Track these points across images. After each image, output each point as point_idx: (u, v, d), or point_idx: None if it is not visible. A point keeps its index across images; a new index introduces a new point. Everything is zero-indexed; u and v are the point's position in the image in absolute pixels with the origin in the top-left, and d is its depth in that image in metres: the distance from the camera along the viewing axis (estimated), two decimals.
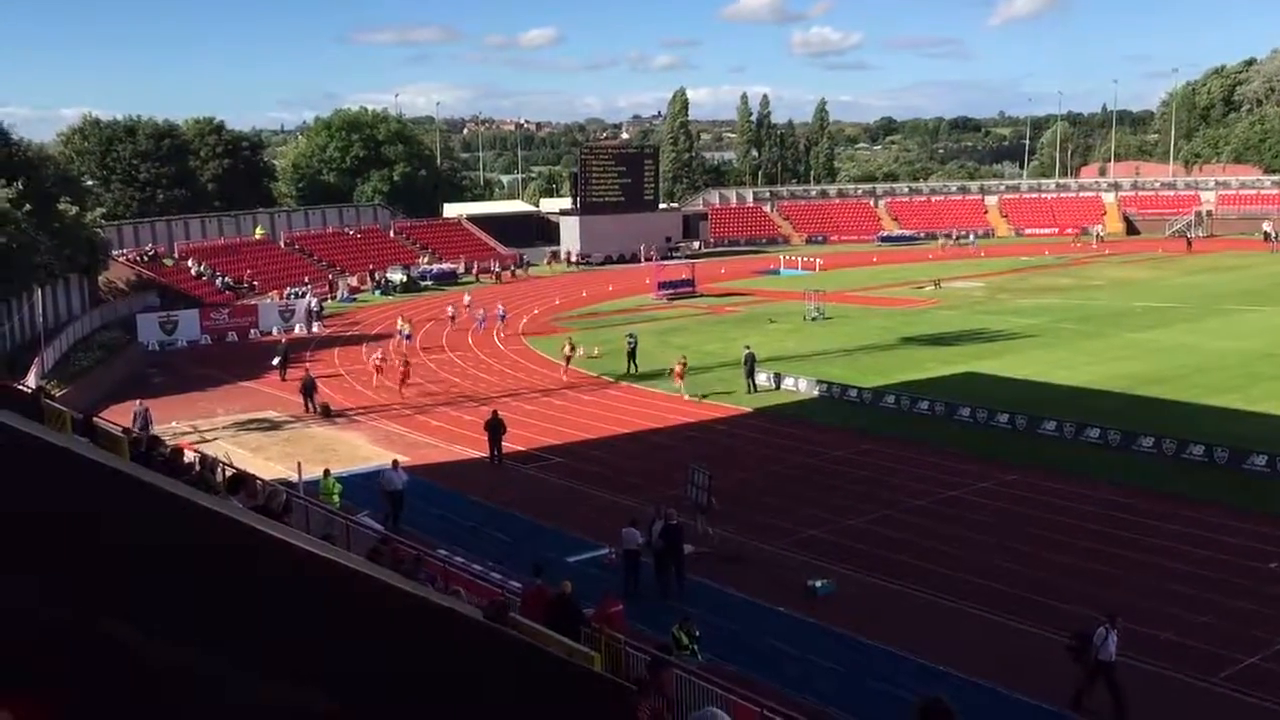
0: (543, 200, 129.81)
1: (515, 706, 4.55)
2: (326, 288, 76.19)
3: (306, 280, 76.14)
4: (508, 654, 4.75)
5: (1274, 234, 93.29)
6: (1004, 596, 22.36)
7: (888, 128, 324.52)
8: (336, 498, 26.05)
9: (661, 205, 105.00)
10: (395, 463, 28.69)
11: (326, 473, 27.66)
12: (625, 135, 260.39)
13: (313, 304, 64.76)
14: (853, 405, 39.67)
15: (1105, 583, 22.89)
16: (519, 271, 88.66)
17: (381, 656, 4.27)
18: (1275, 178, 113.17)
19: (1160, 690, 18.52)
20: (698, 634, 18.86)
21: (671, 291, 70.57)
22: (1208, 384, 40.61)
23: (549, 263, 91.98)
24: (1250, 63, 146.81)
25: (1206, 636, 20.25)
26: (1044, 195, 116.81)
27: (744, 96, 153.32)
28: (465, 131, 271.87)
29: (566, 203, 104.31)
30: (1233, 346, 47.77)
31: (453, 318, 59.55)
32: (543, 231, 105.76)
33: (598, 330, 58.05)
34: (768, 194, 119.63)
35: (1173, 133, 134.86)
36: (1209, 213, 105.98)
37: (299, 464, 28.66)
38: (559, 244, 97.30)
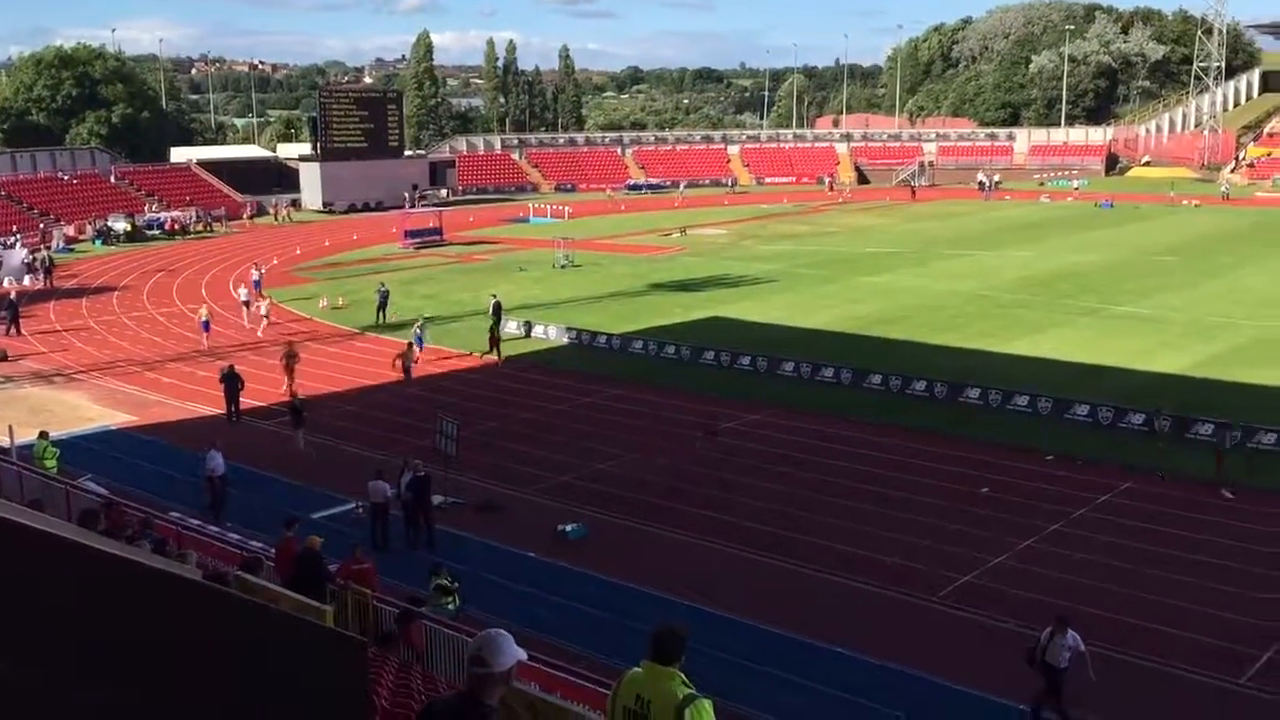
0: (280, 146, 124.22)
1: (237, 666, 4.34)
2: (39, 238, 70.38)
3: (16, 230, 70.13)
4: (228, 615, 4.51)
5: (987, 183, 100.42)
6: (751, 532, 23.28)
7: (635, 77, 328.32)
8: (51, 462, 24.22)
9: (407, 152, 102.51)
10: (214, 444, 25.42)
11: (43, 435, 25.68)
12: (368, 79, 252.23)
13: (28, 256, 59.72)
14: (602, 352, 40.16)
15: (836, 513, 24.22)
16: (255, 220, 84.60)
17: (79, 623, 3.97)
18: (988, 130, 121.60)
19: (886, 611, 19.80)
20: (456, 584, 18.74)
21: (419, 240, 69.22)
22: (931, 324, 43.39)
23: (284, 211, 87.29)
24: (967, 21, 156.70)
25: (927, 559, 21.76)
26: (782, 145, 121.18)
27: (490, 42, 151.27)
28: (194, 72, 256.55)
29: (306, 148, 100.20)
30: (951, 288, 51.19)
31: (246, 304, 47.02)
32: (282, 178, 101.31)
33: (342, 281, 56.33)
34: (516, 141, 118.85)
35: (898, 87, 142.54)
36: (931, 163, 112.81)
37: (9, 427, 26.50)
38: (299, 191, 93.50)
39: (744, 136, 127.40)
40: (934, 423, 30.92)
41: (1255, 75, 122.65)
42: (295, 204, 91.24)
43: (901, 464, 27.48)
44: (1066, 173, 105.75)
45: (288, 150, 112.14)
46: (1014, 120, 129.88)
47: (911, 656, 17.90)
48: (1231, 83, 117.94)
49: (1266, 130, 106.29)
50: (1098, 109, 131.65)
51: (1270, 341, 39.39)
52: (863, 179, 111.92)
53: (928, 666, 17.60)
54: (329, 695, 4.40)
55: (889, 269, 57.19)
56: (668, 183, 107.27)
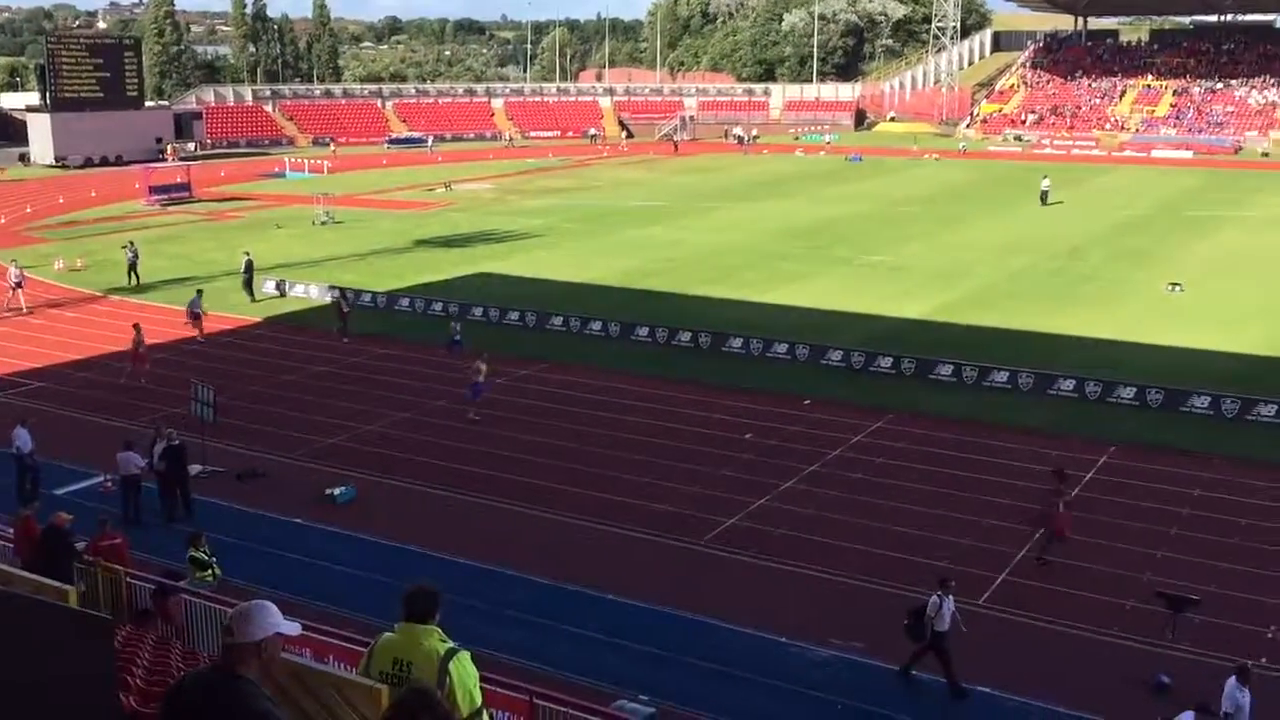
0: (3, 95, 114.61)
1: None
2: None
3: None
4: None
5: (745, 138, 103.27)
6: (521, 486, 23.36)
7: (393, 27, 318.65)
8: None
9: (149, 103, 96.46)
10: (24, 420, 23.19)
11: None
12: (102, 25, 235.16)
13: None
14: (367, 310, 39.19)
15: (606, 464, 24.62)
16: None
17: None
18: (746, 86, 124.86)
19: (656, 557, 20.34)
20: (211, 557, 17.99)
21: (165, 197, 65.42)
22: (695, 276, 44.44)
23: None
24: None
25: (695, 505, 22.45)
26: (546, 100, 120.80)
27: None
28: None
29: (34, 98, 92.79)
30: (714, 241, 52.54)
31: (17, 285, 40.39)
32: (6, 131, 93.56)
33: (79, 241, 52.70)
34: (269, 93, 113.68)
35: (658, 42, 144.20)
36: (692, 118, 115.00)
37: None
38: (27, 145, 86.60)
39: (507, 90, 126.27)
40: (700, 373, 31.77)
41: (987, 35, 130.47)
42: (23, 158, 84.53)
43: (669, 414, 28.13)
44: (819, 127, 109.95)
45: (12, 100, 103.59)
46: (770, 76, 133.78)
47: (685, 600, 18.47)
48: (966, 42, 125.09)
49: (997, 87, 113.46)
50: (846, 66, 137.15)
51: (1001, 286, 42.34)
52: (626, 133, 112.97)
53: (700, 608, 18.21)
54: (72, 678, 4.17)
55: (654, 222, 58.10)
56: (428, 137, 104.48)
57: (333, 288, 39.50)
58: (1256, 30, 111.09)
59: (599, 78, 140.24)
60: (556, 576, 19.34)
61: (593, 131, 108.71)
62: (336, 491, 22.72)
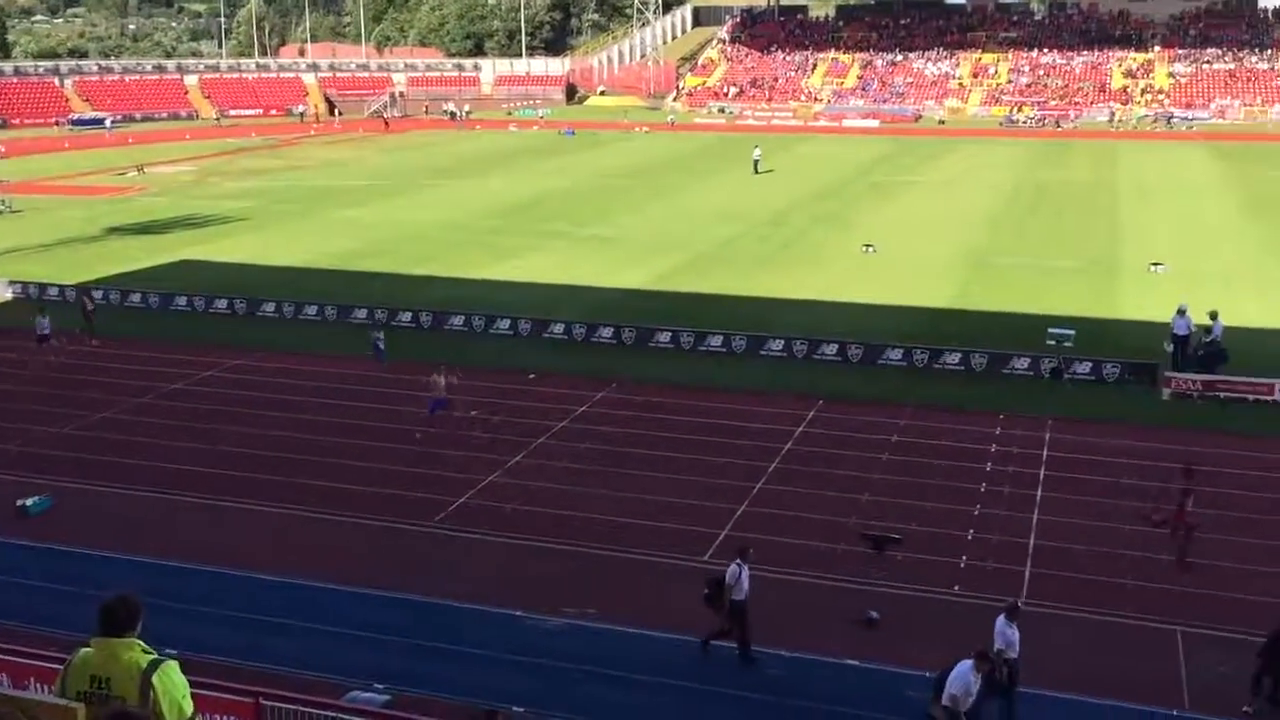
0: None
1: None
2: None
3: None
4: None
5: (458, 113, 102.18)
6: (233, 481, 22.34)
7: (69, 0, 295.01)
8: None
9: None
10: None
11: None
12: None
13: None
14: (54, 305, 36.21)
15: (327, 452, 23.91)
16: None
17: None
18: (456, 61, 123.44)
19: (386, 540, 19.96)
20: None
21: None
22: (413, 255, 43.70)
23: None
24: None
25: (423, 487, 22.18)
26: (245, 76, 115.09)
27: None
28: None
29: None
30: (431, 218, 51.81)
31: None
32: None
33: None
34: None
35: (362, 15, 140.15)
36: (401, 94, 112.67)
37: None
38: None
39: (202, 66, 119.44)
40: (422, 353, 31.27)
41: (688, 10, 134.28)
42: None
43: (392, 396, 27.59)
44: (532, 102, 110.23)
45: None
46: (479, 50, 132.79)
47: (416, 583, 18.23)
48: (669, 17, 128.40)
49: (700, 61, 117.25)
50: (555, 40, 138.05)
51: (713, 254, 43.94)
52: (333, 110, 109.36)
53: (432, 590, 18.02)
54: None
55: (367, 202, 56.66)
56: (105, 117, 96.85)
57: (78, 286, 36.10)
58: (930, 5, 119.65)
59: (301, 53, 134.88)
60: (279, 571, 18.65)
61: (301, 109, 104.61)
62: (29, 502, 20.98)
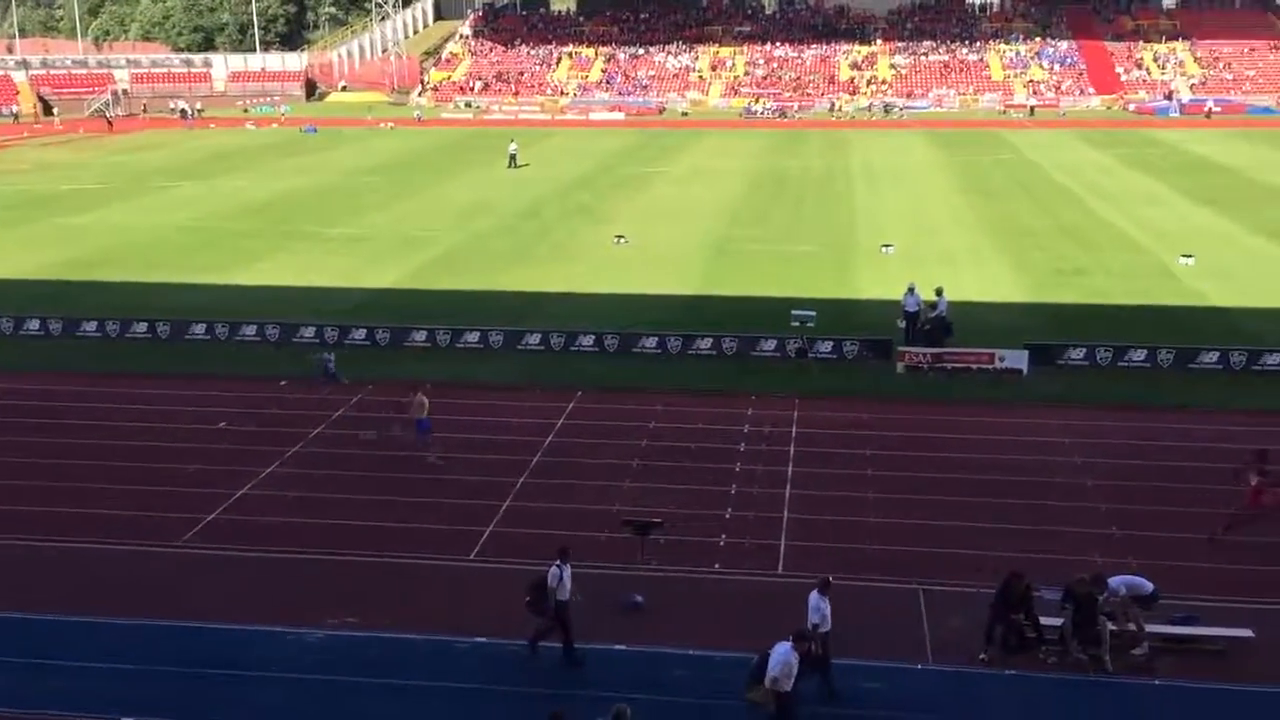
0: None
1: None
2: None
3: None
4: None
5: (189, 111, 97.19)
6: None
7: None
8: None
9: None
10: None
11: None
12: None
13: None
14: None
15: (59, 476, 22.37)
16: None
17: None
18: (184, 56, 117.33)
19: (132, 564, 18.86)
20: None
21: None
22: (147, 261, 41.35)
23: None
24: None
25: (168, 505, 21.05)
26: None
27: None
28: None
29: None
30: (166, 222, 49.11)
31: None
32: None
33: None
34: None
35: (77, 9, 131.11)
36: (125, 91, 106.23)
37: None
38: None
39: None
40: (163, 364, 29.75)
41: (429, 4, 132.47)
42: None
43: (131, 412, 26.08)
44: (269, 99, 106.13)
45: None
46: (210, 45, 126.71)
47: (162, 608, 17.31)
48: (409, 10, 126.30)
49: (444, 55, 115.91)
50: (291, 35, 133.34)
51: (467, 250, 43.62)
52: (48, 110, 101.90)
53: (179, 612, 17.16)
54: None
55: (94, 207, 53.17)
56: None
57: None
58: (668, 0, 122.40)
59: (10, 50, 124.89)
60: (12, 607, 17.31)
61: (14, 109, 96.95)
62: None
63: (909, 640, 16.38)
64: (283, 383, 28.27)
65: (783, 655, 13.61)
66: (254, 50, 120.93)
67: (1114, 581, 16.10)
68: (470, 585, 18.30)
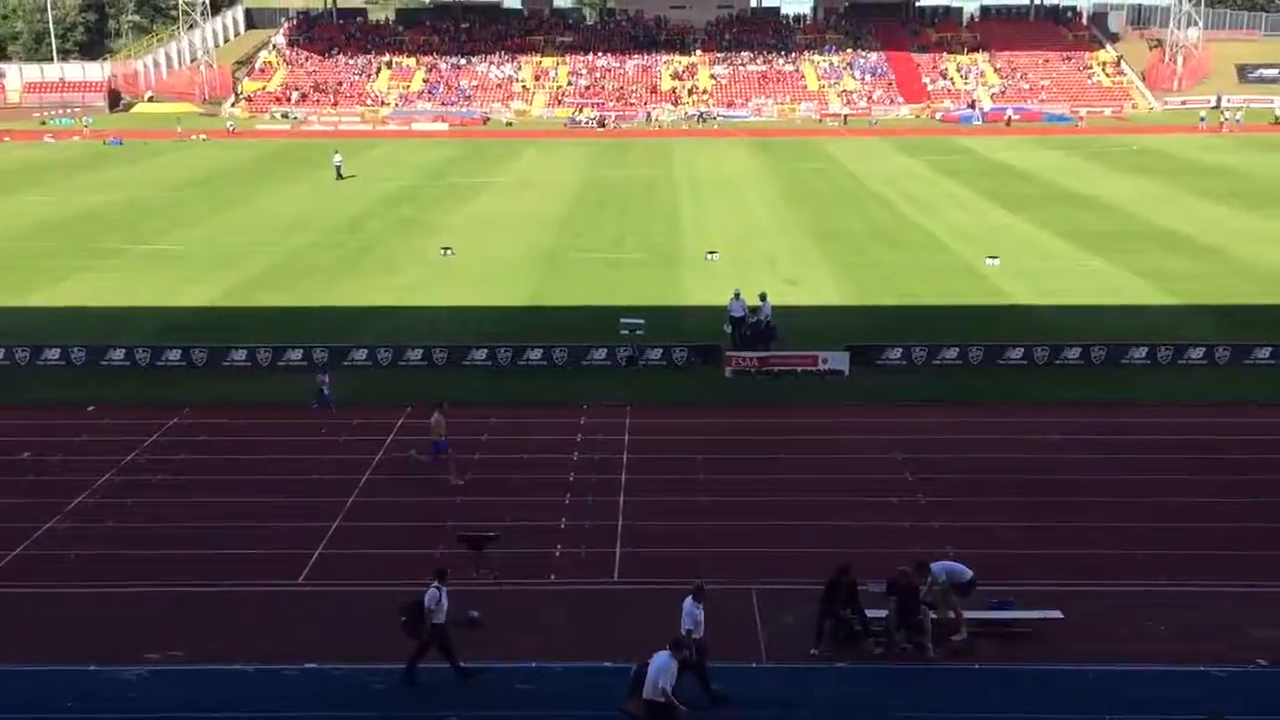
0: None
1: None
2: None
3: None
4: None
5: None
6: None
7: None
8: None
9: None
10: None
11: None
12: None
13: None
14: None
15: None
16: None
17: None
18: None
19: None
20: None
21: None
22: None
23: None
24: None
25: None
26: None
27: None
28: None
29: None
30: None
31: None
32: None
33: None
34: None
35: None
36: None
37: None
38: None
39: None
40: None
41: (239, 12, 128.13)
42: None
43: None
44: (69, 111, 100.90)
45: None
46: (1, 55, 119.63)
47: None
48: (219, 19, 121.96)
49: (257, 65, 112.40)
50: (91, 44, 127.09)
51: (288, 265, 42.37)
52: None
53: None
54: None
55: None
56: None
57: None
58: (488, 10, 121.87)
59: None
60: None
61: None
62: None
63: (744, 640, 16.66)
64: (91, 408, 26.88)
65: (663, 664, 13.75)
66: (51, 59, 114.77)
67: (936, 567, 16.77)
68: (299, 610, 17.75)
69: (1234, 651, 16.24)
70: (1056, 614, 17.00)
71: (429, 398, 27.29)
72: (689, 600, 15.37)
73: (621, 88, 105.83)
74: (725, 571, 18.64)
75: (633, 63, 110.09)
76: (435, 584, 15.65)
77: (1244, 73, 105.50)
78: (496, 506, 21.20)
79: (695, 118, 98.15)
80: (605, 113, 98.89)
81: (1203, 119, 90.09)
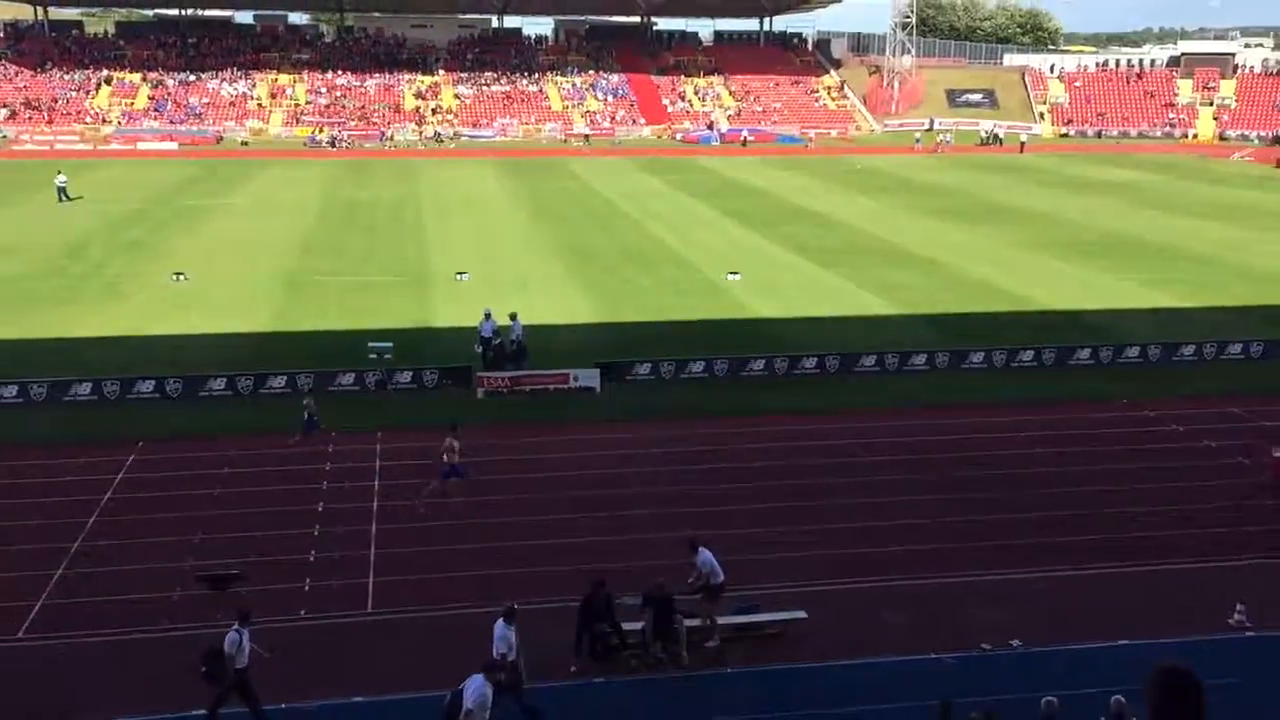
0: None
1: None
2: None
3: None
4: None
5: None
6: None
7: None
8: None
9: None
10: None
11: None
12: None
13: None
14: None
15: None
16: None
17: None
18: None
19: None
20: None
21: None
22: None
23: None
24: None
25: None
26: None
27: None
28: None
29: None
30: None
31: None
32: None
33: None
34: None
35: None
36: None
37: None
38: None
39: None
40: None
41: None
42: None
43: None
44: None
45: None
46: None
47: None
48: None
49: None
50: None
51: None
52: None
53: None
54: None
55: None
56: None
57: None
58: (217, 24, 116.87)
59: None
60: None
61: None
62: None
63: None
64: None
65: (477, 688, 13.61)
66: None
67: (704, 555, 17.20)
68: (19, 666, 16.41)
69: (960, 638, 17.44)
70: (801, 614, 17.77)
71: (162, 433, 25.99)
72: (500, 623, 15.34)
73: (363, 106, 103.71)
74: (482, 594, 18.49)
75: (374, 81, 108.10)
76: (236, 626, 14.91)
77: (953, 97, 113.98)
78: (242, 542, 20.27)
79: (433, 138, 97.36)
80: (339, 132, 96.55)
81: (918, 140, 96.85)
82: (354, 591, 18.78)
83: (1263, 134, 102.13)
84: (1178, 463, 25.05)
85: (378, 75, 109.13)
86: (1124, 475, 24.17)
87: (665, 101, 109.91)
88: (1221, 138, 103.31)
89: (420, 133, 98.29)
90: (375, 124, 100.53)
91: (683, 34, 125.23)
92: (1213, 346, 33.24)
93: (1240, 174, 79.46)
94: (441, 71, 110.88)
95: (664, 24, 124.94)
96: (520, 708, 14.95)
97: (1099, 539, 21.04)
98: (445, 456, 22.24)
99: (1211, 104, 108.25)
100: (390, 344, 30.33)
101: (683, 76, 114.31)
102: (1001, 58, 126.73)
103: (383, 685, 15.89)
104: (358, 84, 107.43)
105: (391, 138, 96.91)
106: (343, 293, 40.23)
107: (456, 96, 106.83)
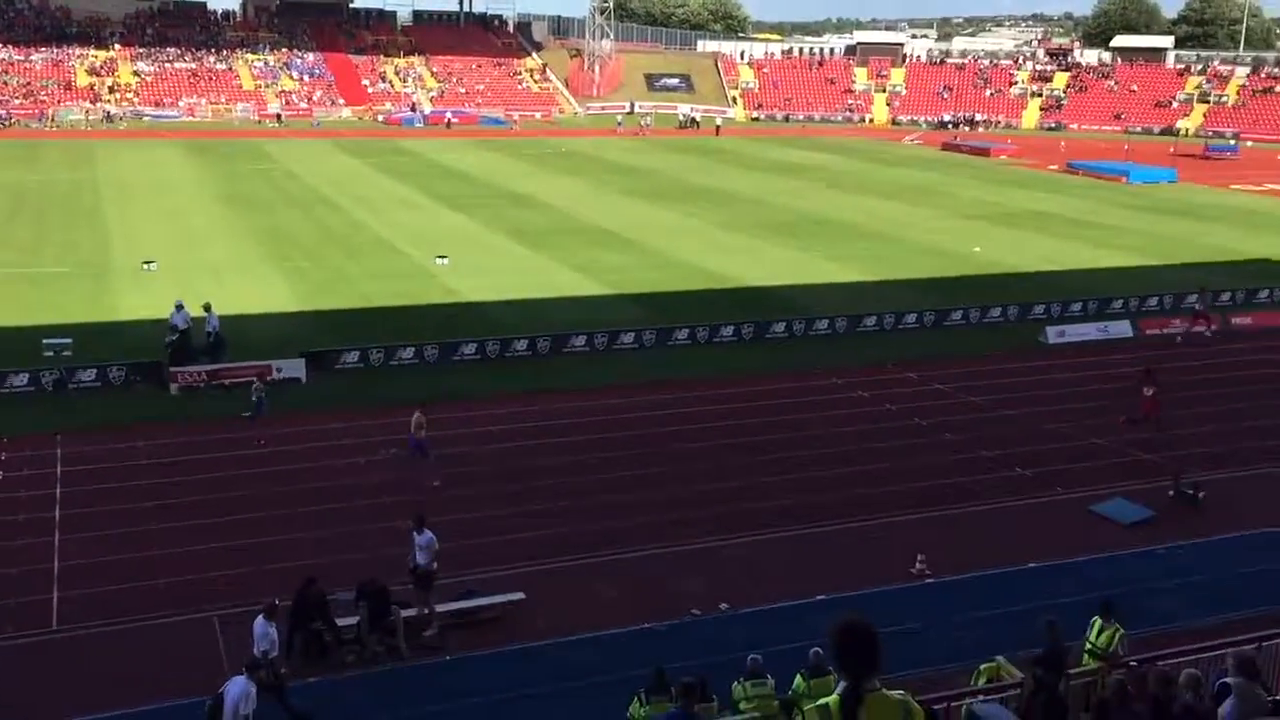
0: None
1: None
2: None
3: None
4: None
5: None
6: None
7: None
8: None
9: None
10: None
11: None
12: None
13: None
14: None
15: None
16: None
17: None
18: None
19: None
20: None
21: None
22: None
23: None
24: None
25: None
26: None
27: None
28: None
29: None
30: None
31: None
32: None
33: None
34: None
35: None
36: None
37: None
38: None
39: None
40: None
41: None
42: None
43: None
44: None
45: None
46: None
47: None
48: None
49: None
50: None
51: None
52: None
53: None
54: None
55: None
56: None
57: None
58: None
59: None
60: None
61: None
62: None
63: (208, 672, 15.75)
64: None
65: (240, 689, 13.12)
66: None
67: (426, 536, 16.99)
68: None
69: (671, 605, 18.08)
70: (519, 595, 17.89)
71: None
72: (260, 620, 14.81)
73: (29, 83, 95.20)
74: (184, 601, 17.57)
75: (40, 56, 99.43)
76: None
77: (651, 82, 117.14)
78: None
79: (104, 118, 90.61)
80: (17, 111, 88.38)
81: (619, 123, 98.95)
82: (36, 609, 17.33)
83: (929, 119, 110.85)
84: (864, 426, 26.91)
85: (44, 49, 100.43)
86: (816, 440, 25.73)
87: (365, 82, 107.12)
88: (894, 122, 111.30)
89: (88, 112, 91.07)
90: (44, 102, 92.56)
91: (380, 13, 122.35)
92: (891, 317, 35.89)
93: (914, 156, 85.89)
94: (118, 46, 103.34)
95: (360, 2, 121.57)
96: (282, 702, 14.48)
97: (790, 503, 22.30)
98: (415, 431, 22.76)
99: (884, 91, 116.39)
100: (69, 340, 28.11)
101: (382, 56, 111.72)
102: (695, 44, 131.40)
103: (79, 707, 14.79)
104: (22, 59, 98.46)
105: (52, 118, 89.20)
106: (12, 286, 36.91)
107: (136, 74, 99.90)
